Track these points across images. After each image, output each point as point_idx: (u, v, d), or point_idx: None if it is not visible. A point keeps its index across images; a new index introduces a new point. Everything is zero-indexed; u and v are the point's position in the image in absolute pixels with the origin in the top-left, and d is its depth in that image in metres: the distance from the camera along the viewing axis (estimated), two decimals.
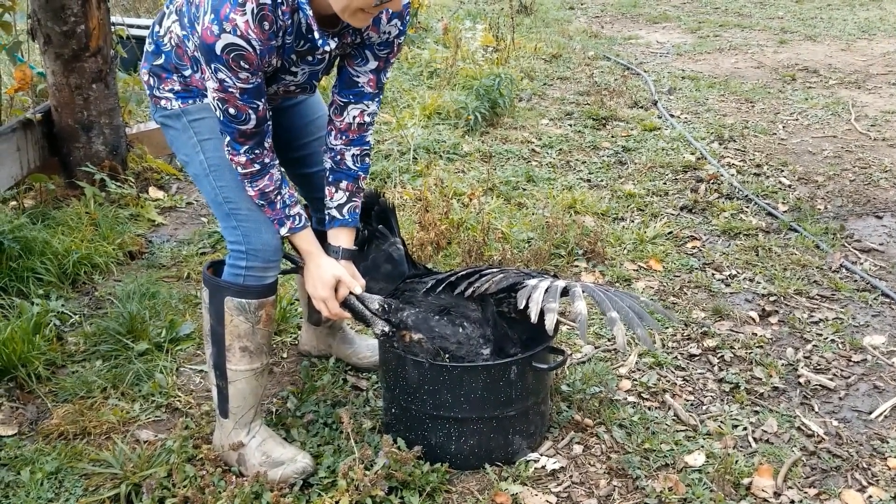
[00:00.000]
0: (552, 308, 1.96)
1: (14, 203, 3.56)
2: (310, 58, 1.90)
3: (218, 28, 1.69)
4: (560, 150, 4.74)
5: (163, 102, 2.01)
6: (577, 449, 2.27)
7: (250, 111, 1.83)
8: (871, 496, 2.12)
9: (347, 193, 2.11)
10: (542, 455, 2.23)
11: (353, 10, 1.74)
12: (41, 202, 3.62)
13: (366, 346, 2.61)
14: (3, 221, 3.09)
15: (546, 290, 2.01)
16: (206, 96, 1.96)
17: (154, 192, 3.89)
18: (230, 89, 1.77)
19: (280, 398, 2.46)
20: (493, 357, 2.14)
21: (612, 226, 3.71)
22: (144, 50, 2.04)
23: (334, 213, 2.12)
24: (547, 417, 2.32)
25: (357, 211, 2.14)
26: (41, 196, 3.67)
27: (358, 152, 2.10)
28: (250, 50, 1.72)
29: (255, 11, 1.70)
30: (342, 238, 2.13)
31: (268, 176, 1.95)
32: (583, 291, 2.03)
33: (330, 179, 2.12)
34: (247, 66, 1.74)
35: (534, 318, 1.95)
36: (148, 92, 2.05)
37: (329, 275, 2.06)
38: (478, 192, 3.88)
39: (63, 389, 2.46)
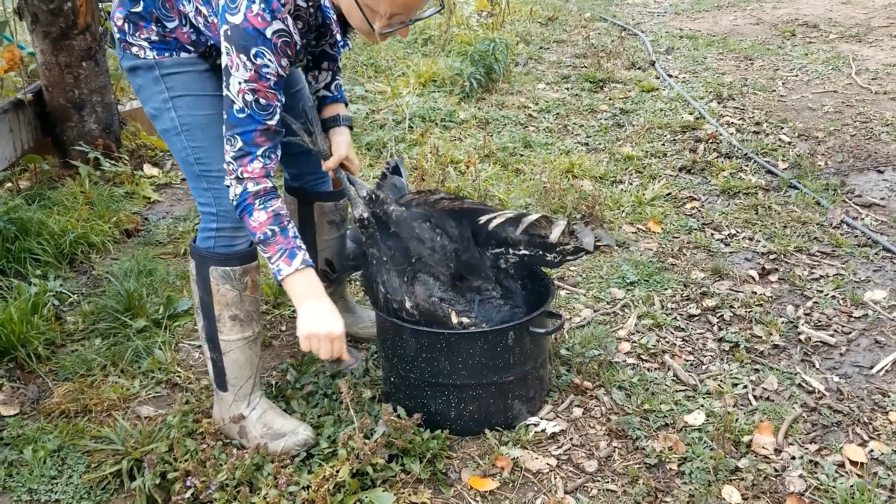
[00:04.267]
0: (506, 215, 2.09)
1: (9, 184, 3.55)
2: (312, 44, 1.96)
3: (270, 16, 1.71)
4: (557, 114, 4.70)
5: (134, 49, 1.94)
6: (577, 412, 2.27)
7: (277, 104, 1.81)
8: (872, 450, 2.12)
9: (331, 72, 2.21)
10: (541, 419, 2.23)
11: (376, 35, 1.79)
12: (36, 183, 3.61)
13: (367, 317, 2.61)
14: None
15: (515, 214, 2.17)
16: (184, 49, 1.93)
17: (149, 169, 3.87)
18: (268, 76, 1.76)
19: (279, 371, 2.47)
20: (452, 279, 2.21)
21: (610, 189, 3.68)
22: None
23: (323, 92, 2.23)
24: (546, 381, 2.32)
25: (342, 89, 2.26)
26: (36, 177, 3.65)
27: (332, 41, 2.15)
28: (294, 40, 1.78)
29: (293, 12, 1.76)
30: (338, 110, 2.22)
31: (279, 199, 1.88)
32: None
33: (310, 65, 2.20)
34: (289, 54, 1.77)
35: (488, 222, 2.11)
36: (118, 37, 1.96)
37: (338, 328, 1.87)
38: (474, 159, 3.86)
39: (63, 368, 2.47)
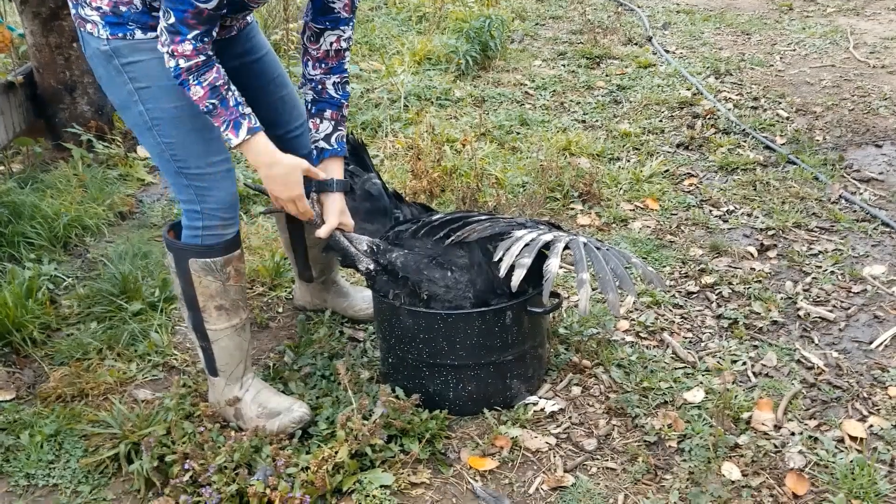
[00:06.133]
0: (523, 264, 1.94)
1: (1, 168, 3.52)
2: None
3: None
4: (554, 91, 4.66)
5: (88, 27, 1.84)
6: (576, 390, 2.27)
7: None
8: (871, 425, 2.12)
9: (333, 122, 2.08)
10: (540, 398, 2.23)
11: None
12: (29, 166, 3.57)
13: (361, 298, 2.59)
14: None
15: (526, 244, 1.98)
16: (139, 24, 1.82)
17: (142, 151, 3.82)
18: None
19: (277, 352, 2.46)
20: (475, 304, 2.11)
21: (607, 166, 3.66)
22: None
23: (322, 143, 2.09)
24: (545, 360, 2.31)
25: (344, 140, 2.12)
26: (28, 160, 3.62)
27: (338, 80, 2.07)
28: None
29: None
30: (334, 169, 2.10)
31: (214, 68, 1.79)
32: (564, 248, 1.99)
33: (313, 111, 2.08)
34: None
35: (502, 272, 1.95)
36: (74, 11, 1.87)
37: (297, 169, 1.94)
38: (471, 137, 3.83)
39: (59, 352, 2.45)
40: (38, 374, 2.39)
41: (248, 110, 1.86)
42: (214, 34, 1.79)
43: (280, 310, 2.70)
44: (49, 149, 3.72)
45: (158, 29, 1.76)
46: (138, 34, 1.84)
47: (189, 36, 1.73)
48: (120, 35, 1.83)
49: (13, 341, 2.46)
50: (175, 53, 1.75)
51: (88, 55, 1.91)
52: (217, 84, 1.80)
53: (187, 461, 1.91)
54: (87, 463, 2.03)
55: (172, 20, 1.72)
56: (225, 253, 2.00)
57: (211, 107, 1.81)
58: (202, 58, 1.76)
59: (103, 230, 3.16)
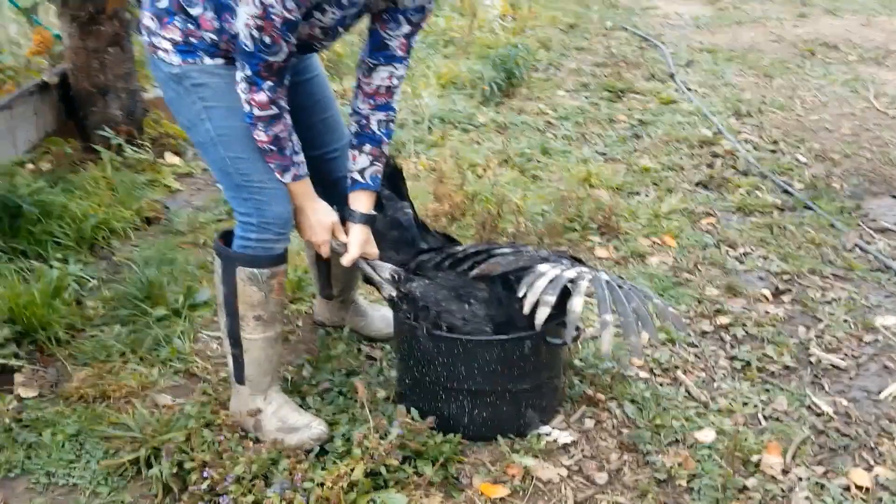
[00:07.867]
0: (547, 301, 1.97)
1: (32, 166, 3.58)
2: (344, 1, 1.90)
3: None
4: (576, 122, 4.72)
5: (160, 53, 1.95)
6: (589, 423, 2.30)
7: (283, 43, 1.81)
8: (878, 475, 2.14)
9: (371, 157, 2.13)
10: (553, 428, 2.26)
11: None
12: (58, 166, 3.64)
13: (379, 318, 2.64)
14: (21, 185, 3.12)
15: (551, 281, 2.01)
16: (208, 53, 1.93)
17: (170, 158, 3.90)
18: (273, 16, 1.76)
19: (296, 366, 2.49)
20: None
21: (626, 200, 3.70)
22: None
23: (356, 176, 2.14)
24: (560, 391, 2.34)
25: (379, 175, 2.17)
26: (58, 160, 3.68)
27: (384, 117, 2.12)
28: None
29: None
30: (361, 202, 2.15)
31: (283, 120, 1.94)
32: (589, 284, 2.03)
33: (354, 143, 2.14)
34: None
35: (526, 309, 1.98)
36: (146, 39, 1.97)
37: (328, 220, 2.11)
38: (493, 163, 3.88)
39: (83, 353, 2.50)
40: (61, 374, 2.44)
41: (299, 159, 2.03)
42: (287, 81, 1.93)
43: (300, 323, 2.74)
44: (79, 150, 3.79)
45: (237, 76, 1.88)
46: (206, 60, 1.94)
47: (264, 86, 1.87)
48: (190, 60, 1.94)
49: (38, 339, 2.51)
50: (252, 102, 1.89)
51: (160, 79, 2.00)
52: (281, 136, 1.95)
53: (206, 469, 1.95)
54: (108, 465, 2.07)
55: (248, 72, 1.86)
56: (272, 265, 2.06)
57: (268, 150, 1.97)
58: (274, 110, 1.91)
59: (129, 234, 3.21)
